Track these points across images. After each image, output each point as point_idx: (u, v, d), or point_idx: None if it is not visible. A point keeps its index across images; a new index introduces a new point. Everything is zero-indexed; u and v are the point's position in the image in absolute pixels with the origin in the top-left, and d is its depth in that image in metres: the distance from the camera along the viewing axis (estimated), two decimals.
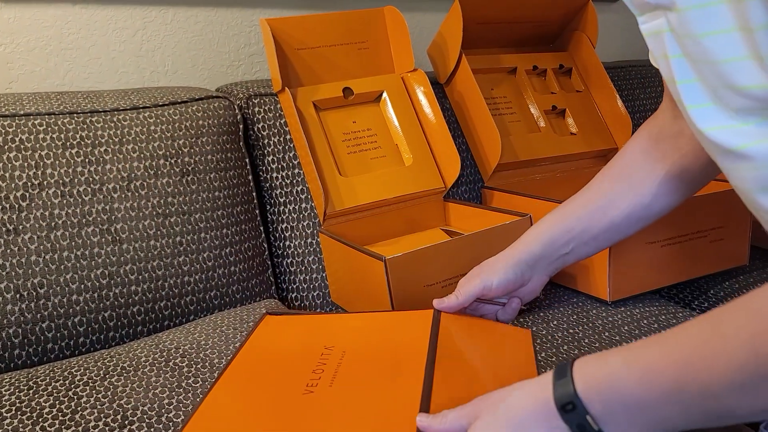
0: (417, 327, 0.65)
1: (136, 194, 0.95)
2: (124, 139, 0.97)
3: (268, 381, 0.60)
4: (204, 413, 0.57)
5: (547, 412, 0.46)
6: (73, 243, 0.90)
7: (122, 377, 0.78)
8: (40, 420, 0.70)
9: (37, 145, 0.91)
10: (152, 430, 0.68)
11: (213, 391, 0.60)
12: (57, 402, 0.73)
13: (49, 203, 0.90)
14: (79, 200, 0.91)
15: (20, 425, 0.69)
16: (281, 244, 1.10)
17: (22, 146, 0.90)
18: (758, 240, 1.21)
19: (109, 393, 0.74)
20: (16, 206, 0.88)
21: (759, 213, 0.52)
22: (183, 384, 0.76)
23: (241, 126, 1.09)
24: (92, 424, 0.69)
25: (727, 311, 0.42)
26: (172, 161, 0.99)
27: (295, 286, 1.09)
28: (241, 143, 1.08)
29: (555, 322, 0.97)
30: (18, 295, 0.86)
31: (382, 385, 0.56)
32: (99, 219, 0.92)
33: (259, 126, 1.11)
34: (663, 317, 0.99)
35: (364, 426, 0.51)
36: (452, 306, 0.72)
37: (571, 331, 0.94)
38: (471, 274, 0.76)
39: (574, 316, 0.99)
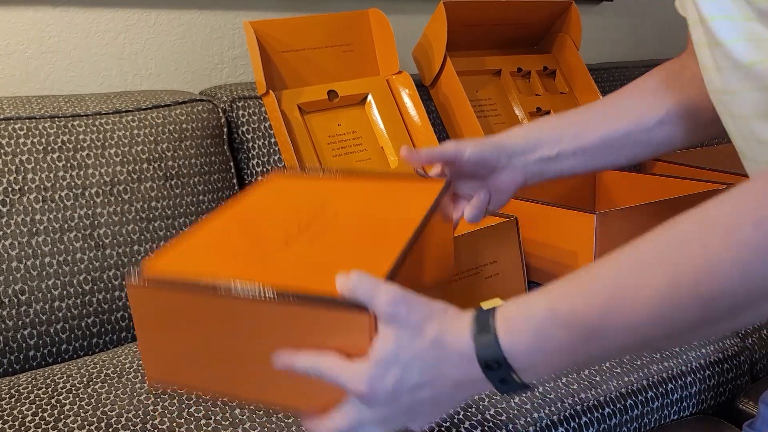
0: (417, 200, 0.63)
1: (119, 199, 0.94)
2: (107, 143, 0.96)
3: (250, 229, 0.60)
4: (176, 245, 0.56)
5: (468, 363, 0.45)
6: (55, 249, 0.89)
7: (106, 384, 0.77)
8: (23, 429, 0.69)
9: (18, 150, 0.90)
10: None
11: (191, 229, 0.59)
12: (40, 410, 0.72)
13: (30, 208, 0.88)
14: (61, 205, 0.90)
15: None
16: None
17: (2, 151, 0.89)
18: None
19: (93, 400, 0.74)
20: None
21: (752, 145, 0.51)
22: (168, 390, 0.75)
23: (225, 129, 1.08)
24: None
25: (647, 242, 0.42)
26: (156, 165, 0.98)
27: None
28: (225, 147, 1.08)
29: None
30: None
31: (358, 251, 0.55)
32: (81, 224, 0.91)
33: (244, 129, 1.10)
34: None
35: (319, 283, 0.49)
36: (421, 157, 0.67)
37: None
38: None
39: None
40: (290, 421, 0.70)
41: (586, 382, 0.83)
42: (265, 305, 0.48)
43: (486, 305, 0.47)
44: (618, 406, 0.82)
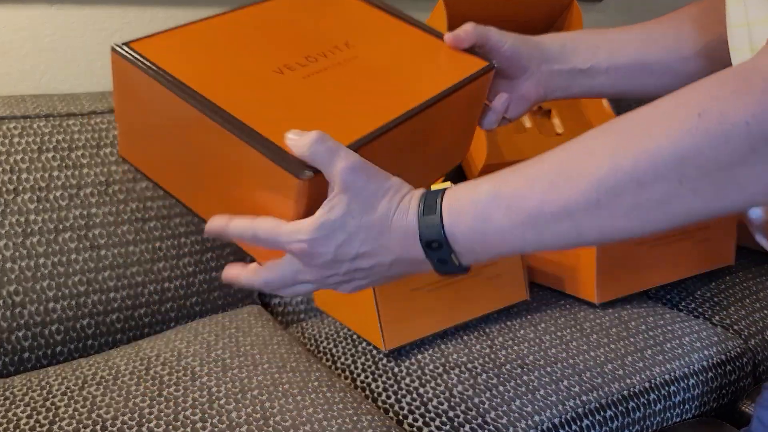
0: (449, 72, 0.59)
1: (114, 199, 0.93)
2: (102, 143, 0.95)
3: (257, 40, 0.56)
4: (178, 31, 0.54)
5: (411, 241, 0.46)
6: (50, 249, 0.88)
7: (101, 387, 0.76)
8: (18, 431, 0.68)
9: (12, 149, 0.89)
10: None
11: (204, 20, 0.56)
12: (34, 413, 0.71)
13: (24, 209, 0.87)
14: (56, 205, 0.89)
15: None
16: None
17: None
18: (744, 240, 1.21)
19: (87, 403, 0.73)
20: None
21: None
22: (164, 393, 0.74)
23: None
24: None
25: (599, 130, 0.44)
26: None
27: None
28: None
29: (543, 325, 0.96)
30: None
31: (346, 107, 0.52)
32: (76, 224, 0.90)
33: None
34: (651, 318, 0.99)
35: (273, 124, 0.47)
36: (469, 35, 0.62)
37: (559, 333, 0.93)
38: None
39: (562, 319, 0.98)
40: (287, 424, 0.69)
41: (588, 385, 0.82)
42: (213, 124, 0.47)
43: (436, 186, 0.48)
44: (620, 408, 0.81)
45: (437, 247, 0.46)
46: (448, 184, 0.49)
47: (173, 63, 0.50)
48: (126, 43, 0.51)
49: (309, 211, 0.47)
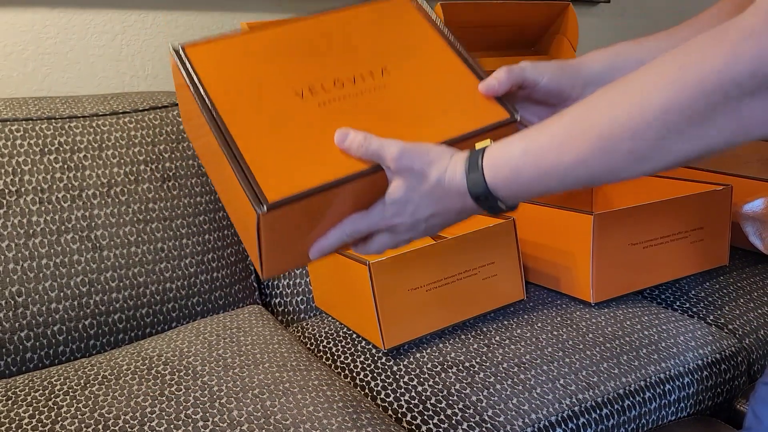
0: (470, 118, 0.61)
1: (116, 200, 0.94)
2: (104, 145, 0.95)
3: (291, 60, 0.59)
4: (227, 38, 0.58)
5: (464, 197, 0.56)
6: (52, 250, 0.89)
7: (103, 386, 0.77)
8: (20, 431, 0.68)
9: (15, 152, 0.89)
10: None
11: (255, 29, 0.61)
12: (37, 413, 0.72)
13: (27, 210, 0.88)
14: (58, 207, 0.90)
15: None
16: None
17: None
18: (737, 240, 1.22)
19: (89, 402, 0.73)
20: None
21: None
22: (165, 392, 0.75)
23: None
24: None
25: (603, 91, 0.50)
26: (153, 167, 0.98)
27: (278, 292, 1.08)
28: None
29: (539, 324, 0.97)
30: None
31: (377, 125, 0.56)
32: (78, 226, 0.91)
33: None
34: (646, 318, 0.99)
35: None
36: (502, 85, 0.64)
37: (555, 333, 0.94)
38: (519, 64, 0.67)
39: (558, 318, 0.99)
40: (288, 422, 0.70)
41: (584, 383, 0.83)
42: (213, 136, 0.55)
43: (479, 145, 0.56)
44: (616, 407, 0.82)
45: (485, 198, 0.55)
46: (488, 142, 0.56)
47: (209, 70, 0.56)
48: (182, 45, 0.58)
49: (271, 244, 0.54)
